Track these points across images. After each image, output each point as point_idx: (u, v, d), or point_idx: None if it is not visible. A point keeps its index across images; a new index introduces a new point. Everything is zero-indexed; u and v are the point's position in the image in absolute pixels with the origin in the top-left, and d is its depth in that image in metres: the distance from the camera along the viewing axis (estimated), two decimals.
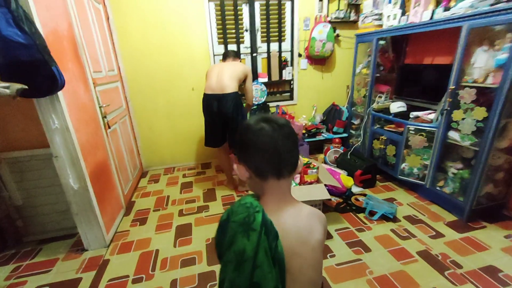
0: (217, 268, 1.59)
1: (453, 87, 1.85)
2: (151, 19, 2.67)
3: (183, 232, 1.98)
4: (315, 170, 1.83)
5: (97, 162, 1.87)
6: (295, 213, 0.64)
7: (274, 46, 3.13)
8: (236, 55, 2.45)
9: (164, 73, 2.87)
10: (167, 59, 2.83)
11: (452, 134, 1.93)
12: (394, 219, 1.97)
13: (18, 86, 1.21)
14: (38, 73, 1.25)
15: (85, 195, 1.68)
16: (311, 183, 1.83)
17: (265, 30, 3.03)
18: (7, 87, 1.19)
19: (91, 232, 1.79)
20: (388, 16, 2.49)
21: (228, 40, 2.97)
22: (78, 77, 1.72)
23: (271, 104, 3.17)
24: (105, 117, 2.08)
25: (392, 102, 2.59)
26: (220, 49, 2.99)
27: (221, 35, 2.93)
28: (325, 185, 1.84)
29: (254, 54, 3.07)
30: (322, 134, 3.17)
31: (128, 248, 1.85)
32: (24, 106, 1.65)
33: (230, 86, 2.16)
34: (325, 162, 2.93)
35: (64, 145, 1.54)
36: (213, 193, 2.55)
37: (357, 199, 2.19)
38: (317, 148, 3.34)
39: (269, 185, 0.64)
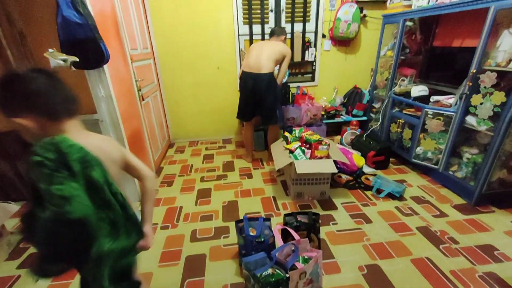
0: (231, 224, 1.84)
1: (475, 70, 1.82)
2: (182, 1, 2.84)
3: (204, 195, 2.25)
4: (326, 146, 1.95)
5: (133, 129, 2.16)
6: (95, 137, 0.78)
7: (298, 27, 3.16)
8: (282, 33, 2.50)
9: (192, 51, 3.07)
10: (195, 38, 3.02)
11: (469, 119, 1.92)
12: (401, 198, 2.05)
13: (72, 58, 1.47)
14: (90, 48, 1.50)
15: None
16: (321, 158, 1.96)
17: (290, 10, 3.06)
18: (65, 60, 1.46)
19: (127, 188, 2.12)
20: None
21: (253, 20, 3.06)
22: (119, 53, 1.97)
23: (292, 85, 3.26)
24: (140, 90, 2.35)
25: (415, 85, 2.56)
26: (245, 29, 3.10)
27: (247, 15, 3.03)
28: (335, 161, 1.97)
29: None
30: (341, 116, 3.21)
31: (157, 203, 2.16)
32: (77, 77, 1.95)
33: (266, 66, 2.29)
34: (341, 144, 3.01)
35: (108, 111, 1.82)
36: (231, 165, 2.78)
37: (367, 178, 2.29)
38: (335, 130, 3.40)
39: (65, 125, 0.71)
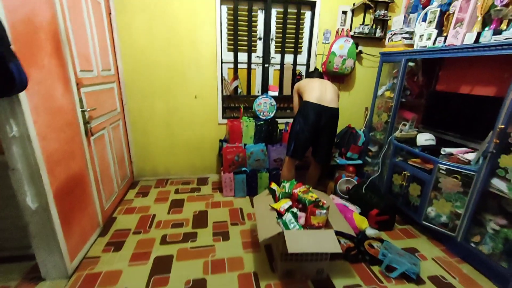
0: None
1: (503, 126, 1.51)
2: (158, 18, 2.45)
3: (161, 268, 1.66)
4: (325, 211, 1.50)
5: (70, 175, 1.60)
6: None
7: (288, 58, 2.86)
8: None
9: (166, 76, 2.63)
10: (171, 61, 2.59)
11: (497, 183, 1.57)
12: (417, 280, 1.60)
13: None
14: None
15: (45, 216, 1.40)
16: (319, 227, 1.50)
17: (280, 40, 2.77)
18: None
19: (50, 259, 1.50)
20: (421, 36, 2.18)
21: (239, 47, 2.71)
22: (55, 76, 1.47)
23: (280, 120, 2.88)
24: (88, 122, 1.82)
25: (419, 132, 2.25)
26: (229, 57, 2.74)
27: (232, 42, 2.68)
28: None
29: (266, 65, 2.80)
30: (334, 158, 2.83)
31: (92, 283, 1.54)
32: None
33: (335, 101, 2.17)
34: (335, 192, 2.59)
35: (23, 156, 1.27)
36: (204, 217, 2.23)
37: (371, 245, 1.84)
38: (327, 174, 3.00)
39: None
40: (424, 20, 2.22)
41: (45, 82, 1.37)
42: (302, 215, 1.54)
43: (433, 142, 2.09)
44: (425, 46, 2.12)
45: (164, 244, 1.88)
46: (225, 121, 2.83)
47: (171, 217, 2.24)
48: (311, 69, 2.87)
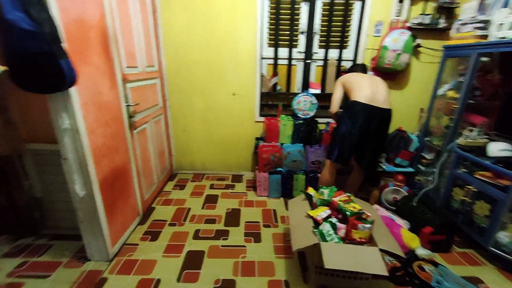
0: None
1: None
2: (198, 17, 2.47)
3: (192, 263, 1.68)
4: (369, 225, 1.33)
5: (114, 167, 1.69)
6: None
7: (333, 53, 2.66)
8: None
9: (205, 73, 2.65)
10: (210, 59, 2.60)
11: None
12: None
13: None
14: (43, 66, 1.06)
15: (91, 204, 1.50)
16: (360, 242, 1.34)
17: (325, 33, 2.58)
18: None
19: (95, 243, 1.62)
20: (501, 25, 1.82)
21: (280, 43, 2.60)
22: (103, 73, 1.55)
23: (320, 120, 2.70)
24: (132, 116, 1.91)
25: (491, 140, 1.90)
26: (269, 52, 2.64)
27: (273, 37, 2.58)
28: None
29: (308, 61, 2.64)
30: (380, 164, 2.57)
31: (129, 268, 1.62)
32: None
33: (388, 102, 1.93)
34: (379, 202, 2.34)
35: (73, 147, 1.36)
36: (237, 215, 2.21)
37: (421, 268, 1.60)
38: (371, 180, 2.74)
39: None
40: (506, 5, 1.85)
41: (93, 78, 1.45)
42: (342, 227, 1.39)
43: (510, 154, 1.74)
44: (505, 38, 1.75)
45: (196, 239, 1.90)
46: (262, 119, 2.76)
47: (205, 212, 2.26)
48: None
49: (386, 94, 1.94)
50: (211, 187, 2.72)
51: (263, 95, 2.75)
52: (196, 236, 1.94)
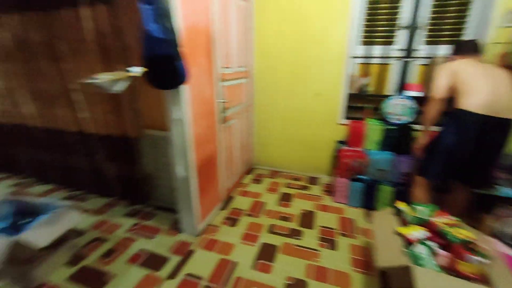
0: None
1: None
2: (290, 14, 2.51)
3: (266, 254, 1.75)
4: (481, 259, 1.08)
5: (206, 155, 1.92)
6: None
7: (442, 50, 2.26)
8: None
9: (290, 73, 2.69)
10: (297, 59, 2.62)
11: None
12: None
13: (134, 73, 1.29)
14: (167, 66, 1.30)
15: (188, 184, 1.75)
16: (468, 277, 1.10)
17: (433, 27, 2.22)
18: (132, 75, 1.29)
19: (187, 219, 1.88)
20: None
21: (374, 40, 2.39)
22: (205, 72, 1.77)
23: (418, 128, 2.34)
24: (224, 112, 2.11)
25: None
26: (360, 51, 2.47)
27: (367, 34, 2.39)
28: None
29: (408, 59, 2.33)
30: (497, 186, 2.04)
31: (212, 246, 1.82)
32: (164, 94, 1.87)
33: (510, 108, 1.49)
34: (494, 235, 1.87)
35: (180, 135, 1.62)
36: (311, 218, 2.17)
37: None
38: (483, 204, 2.21)
39: None
40: None
41: (199, 77, 1.68)
42: (443, 254, 1.18)
43: None
44: None
45: (271, 234, 1.97)
46: (346, 121, 2.61)
47: (280, 209, 2.31)
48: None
49: (511, 97, 1.47)
50: (287, 185, 2.75)
51: (350, 97, 2.59)
52: (271, 230, 2.01)
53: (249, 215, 2.21)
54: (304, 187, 2.71)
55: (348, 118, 2.62)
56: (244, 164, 2.92)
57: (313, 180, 2.87)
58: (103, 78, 1.11)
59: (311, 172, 2.97)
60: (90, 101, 2.05)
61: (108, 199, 2.42)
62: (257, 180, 2.86)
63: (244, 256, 1.73)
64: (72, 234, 1.74)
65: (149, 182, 2.26)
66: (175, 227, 2.00)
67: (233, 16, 2.16)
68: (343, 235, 1.95)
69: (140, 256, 1.73)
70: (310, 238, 1.92)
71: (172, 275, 1.58)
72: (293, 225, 2.08)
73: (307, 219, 2.16)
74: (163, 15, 1.23)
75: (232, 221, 2.12)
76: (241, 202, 2.41)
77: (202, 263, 1.67)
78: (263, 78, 2.80)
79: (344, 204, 2.37)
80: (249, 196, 2.52)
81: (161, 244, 1.84)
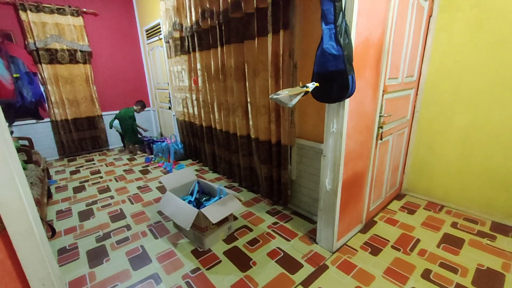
0: None
1: None
2: (492, 12, 1.90)
3: None
4: None
5: (355, 171, 1.82)
6: None
7: None
8: None
9: (484, 82, 2.04)
10: (495, 66, 1.95)
11: None
12: None
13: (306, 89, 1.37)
14: (335, 81, 1.33)
15: (333, 198, 1.73)
16: None
17: None
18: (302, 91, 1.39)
19: (325, 232, 1.86)
20: None
21: None
22: (370, 85, 1.67)
23: None
24: (381, 127, 1.92)
25: None
26: None
27: None
28: None
29: None
30: None
31: (348, 269, 1.70)
32: (320, 107, 1.94)
33: None
34: None
35: (333, 148, 1.62)
36: (496, 281, 1.56)
37: None
38: None
39: None
40: None
41: (362, 90, 1.61)
42: None
43: None
44: None
45: (426, 280, 1.59)
46: None
47: (441, 253, 1.82)
48: None
49: None
50: (454, 225, 2.14)
51: None
52: (426, 276, 1.62)
53: (396, 248, 1.89)
54: (485, 235, 1.99)
55: None
56: (393, 187, 2.54)
57: (501, 228, 2.06)
58: (283, 93, 1.30)
59: (499, 217, 2.15)
60: (259, 112, 2.46)
61: (255, 194, 2.82)
62: (408, 210, 2.41)
63: None
64: (231, 217, 2.16)
65: (291, 187, 2.44)
66: (310, 236, 2.04)
67: (410, 21, 1.91)
68: None
69: (277, 254, 1.89)
70: None
71: (304, 284, 1.61)
72: (462, 280, 1.58)
73: (488, 280, 1.57)
74: (341, 33, 1.27)
75: (373, 248, 1.90)
76: (386, 231, 2.10)
77: (337, 285, 1.59)
78: (435, 88, 2.31)
79: None
80: (396, 226, 2.16)
81: (296, 248, 1.93)
